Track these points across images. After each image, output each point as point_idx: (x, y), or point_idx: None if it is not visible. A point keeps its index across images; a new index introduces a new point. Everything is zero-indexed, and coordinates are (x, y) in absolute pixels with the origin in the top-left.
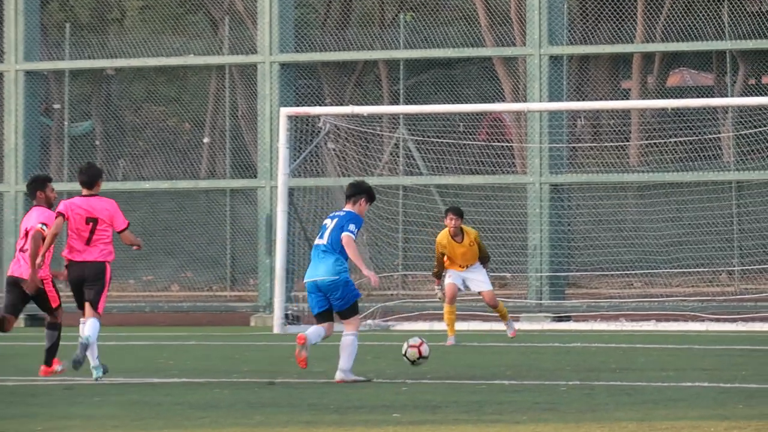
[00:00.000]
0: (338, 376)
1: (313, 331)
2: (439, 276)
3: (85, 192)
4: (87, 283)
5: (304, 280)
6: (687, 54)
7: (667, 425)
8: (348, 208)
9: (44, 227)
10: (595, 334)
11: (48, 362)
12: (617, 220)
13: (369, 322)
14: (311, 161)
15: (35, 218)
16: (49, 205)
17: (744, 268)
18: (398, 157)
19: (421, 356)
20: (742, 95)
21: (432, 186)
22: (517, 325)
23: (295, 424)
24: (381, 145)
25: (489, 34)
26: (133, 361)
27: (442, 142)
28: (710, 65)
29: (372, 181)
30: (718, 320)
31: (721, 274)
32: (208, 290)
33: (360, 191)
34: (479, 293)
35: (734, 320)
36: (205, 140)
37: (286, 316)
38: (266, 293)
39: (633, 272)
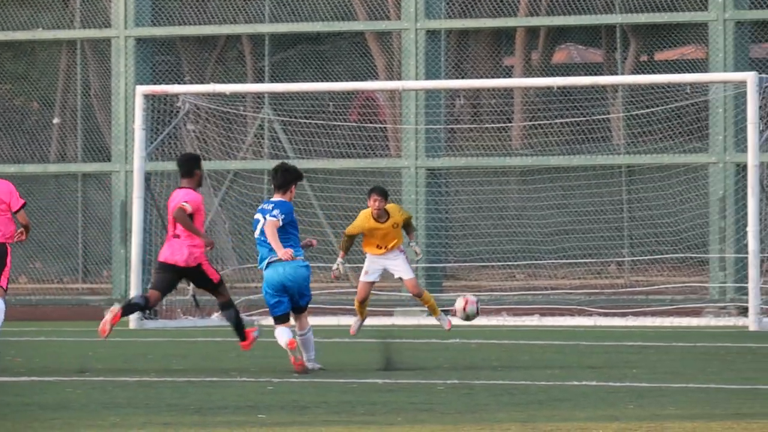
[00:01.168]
0: (312, 365)
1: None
2: (346, 250)
3: None
4: None
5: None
6: (574, 29)
7: (553, 427)
8: (278, 197)
9: (186, 204)
10: (475, 329)
11: (243, 337)
12: (498, 208)
13: None
14: (169, 144)
15: (180, 199)
16: (198, 185)
17: (634, 258)
18: (263, 139)
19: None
20: (633, 73)
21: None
22: (391, 320)
23: (153, 425)
24: (244, 126)
25: (361, 6)
26: None
27: (310, 123)
28: (599, 41)
29: (235, 165)
30: (606, 314)
31: (609, 266)
32: (58, 282)
33: (289, 180)
34: (402, 281)
35: (624, 314)
36: (55, 121)
37: None
38: (121, 285)
39: (515, 263)
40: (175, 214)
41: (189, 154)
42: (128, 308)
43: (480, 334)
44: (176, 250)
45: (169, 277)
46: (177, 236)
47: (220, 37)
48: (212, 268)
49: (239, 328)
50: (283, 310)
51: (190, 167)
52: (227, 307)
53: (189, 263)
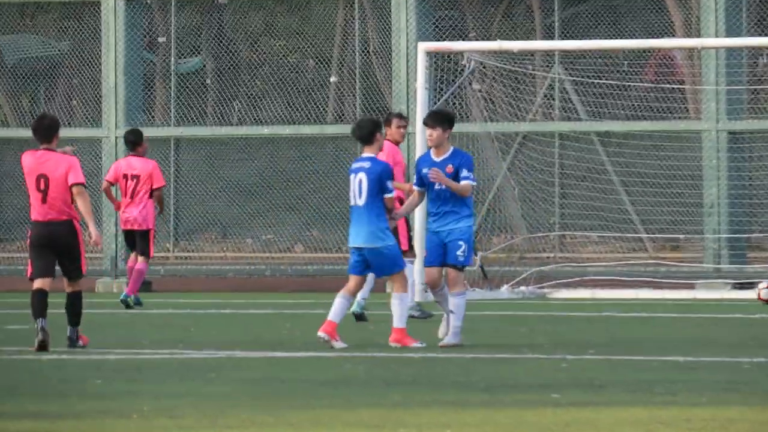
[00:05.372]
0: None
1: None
2: None
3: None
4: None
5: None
6: None
7: None
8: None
9: None
10: None
11: None
12: None
13: (522, 288)
14: (454, 104)
15: None
16: None
17: None
18: (553, 99)
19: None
20: None
21: (592, 133)
22: (692, 294)
23: (439, 405)
24: (533, 86)
25: None
26: (253, 333)
27: (603, 83)
28: None
29: (523, 127)
30: None
31: None
32: (336, 252)
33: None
34: None
35: None
36: (332, 79)
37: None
38: None
39: None
40: None
41: None
42: None
43: None
44: None
45: None
46: None
47: None
48: None
49: None
50: None
51: None
52: None
53: None
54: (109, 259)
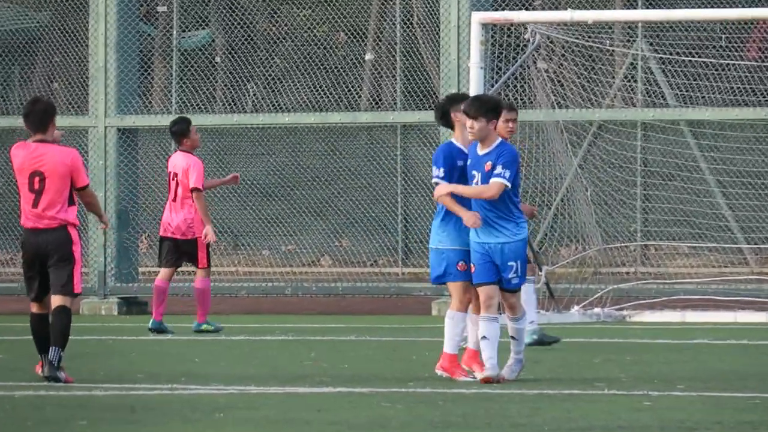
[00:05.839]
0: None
1: None
2: None
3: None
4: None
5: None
6: None
7: None
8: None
9: None
10: None
11: None
12: None
13: (597, 310)
14: (514, 87)
15: None
16: None
17: None
18: (635, 82)
19: None
20: None
21: (682, 122)
22: None
23: None
24: (611, 65)
25: None
26: (270, 364)
27: (695, 61)
28: None
29: (599, 115)
30: None
31: None
32: (372, 265)
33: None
34: None
35: None
36: (367, 57)
37: None
38: None
39: None
40: None
41: None
42: None
43: None
44: None
45: None
46: None
47: None
48: None
49: None
50: None
51: None
52: None
53: None
54: (97, 275)
